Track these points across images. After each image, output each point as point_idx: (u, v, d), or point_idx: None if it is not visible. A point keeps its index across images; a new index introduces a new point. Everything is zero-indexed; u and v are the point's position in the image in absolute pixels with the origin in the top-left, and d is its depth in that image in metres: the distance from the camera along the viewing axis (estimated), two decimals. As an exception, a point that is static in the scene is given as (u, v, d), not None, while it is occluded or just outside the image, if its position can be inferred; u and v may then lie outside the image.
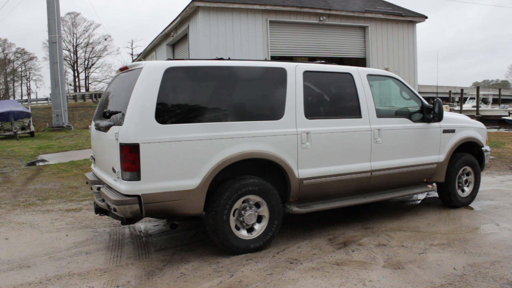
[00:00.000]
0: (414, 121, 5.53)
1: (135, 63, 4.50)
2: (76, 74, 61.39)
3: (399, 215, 5.74)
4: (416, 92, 5.82)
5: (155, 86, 3.98)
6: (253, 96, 4.55)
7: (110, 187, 4.26)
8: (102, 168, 4.69)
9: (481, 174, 6.35)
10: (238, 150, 4.22)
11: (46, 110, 31.29)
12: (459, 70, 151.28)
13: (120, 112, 4.11)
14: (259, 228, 4.43)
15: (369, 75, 5.30)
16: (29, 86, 66.62)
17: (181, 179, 4.00)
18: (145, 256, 4.41)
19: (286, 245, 4.62)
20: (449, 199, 5.94)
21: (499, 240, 4.62)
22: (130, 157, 3.83)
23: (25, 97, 60.03)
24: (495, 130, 23.77)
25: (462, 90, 43.51)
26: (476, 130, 6.23)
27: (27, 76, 65.75)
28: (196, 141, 4.05)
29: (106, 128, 4.36)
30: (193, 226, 5.39)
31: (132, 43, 70.75)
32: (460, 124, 6.04)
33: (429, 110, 5.61)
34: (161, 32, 18.69)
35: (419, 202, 6.58)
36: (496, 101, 48.62)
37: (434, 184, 5.98)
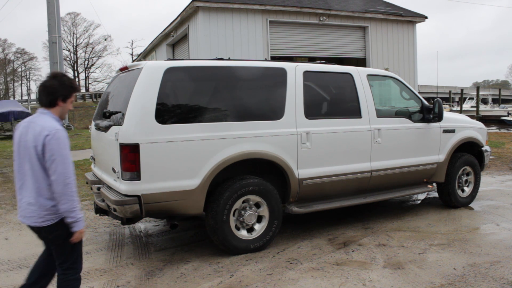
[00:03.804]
0: (414, 121, 5.53)
1: (135, 63, 4.50)
2: (76, 74, 61.30)
3: (399, 215, 5.74)
4: (416, 92, 5.82)
5: (155, 86, 3.98)
6: (253, 96, 4.55)
7: (110, 187, 4.26)
8: (102, 168, 4.69)
9: (481, 174, 6.35)
10: (238, 150, 4.22)
11: (46, 110, 31.21)
12: (462, 70, 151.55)
13: (120, 112, 4.11)
14: (259, 228, 4.43)
15: (369, 75, 5.30)
16: (29, 86, 66.59)
17: (181, 179, 4.00)
18: (145, 256, 4.41)
19: (286, 245, 4.62)
20: (449, 199, 5.94)
21: (499, 240, 4.62)
22: (130, 157, 3.83)
23: (25, 97, 60.04)
24: (495, 130, 23.75)
25: (462, 90, 43.44)
26: (476, 130, 6.23)
27: (27, 76, 65.74)
28: (196, 141, 4.05)
29: (106, 128, 4.36)
30: (193, 226, 5.39)
31: (132, 43, 70.54)
32: (460, 124, 6.03)
33: (429, 110, 5.61)
34: (161, 32, 18.68)
35: (419, 202, 6.58)
36: (496, 101, 48.61)
37: (434, 184, 5.98)
